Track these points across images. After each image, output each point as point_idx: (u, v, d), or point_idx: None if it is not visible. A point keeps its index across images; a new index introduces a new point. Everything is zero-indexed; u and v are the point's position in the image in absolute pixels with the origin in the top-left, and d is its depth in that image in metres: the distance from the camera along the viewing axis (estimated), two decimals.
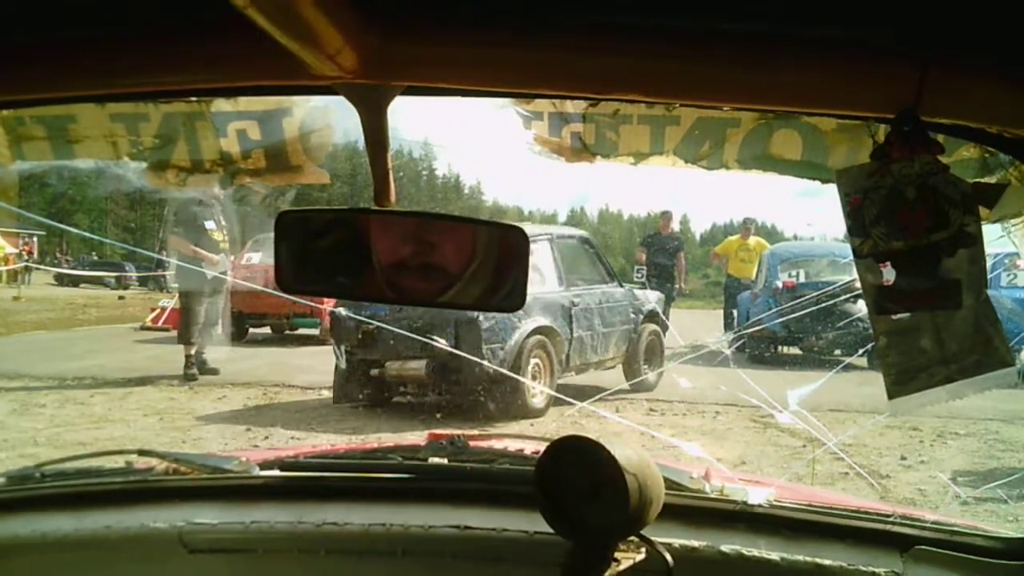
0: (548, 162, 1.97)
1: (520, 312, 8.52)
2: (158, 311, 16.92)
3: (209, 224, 10.43)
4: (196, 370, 10.49)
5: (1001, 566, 1.42)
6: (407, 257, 1.21)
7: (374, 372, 8.90)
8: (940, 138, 1.23)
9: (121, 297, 23.83)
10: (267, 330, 15.01)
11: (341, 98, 1.21)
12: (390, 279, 1.21)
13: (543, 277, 9.60)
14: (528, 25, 1.10)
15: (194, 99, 1.89)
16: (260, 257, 15.42)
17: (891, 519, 1.52)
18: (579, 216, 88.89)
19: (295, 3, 0.93)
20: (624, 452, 1.32)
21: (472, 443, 1.91)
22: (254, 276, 14.63)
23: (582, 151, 1.96)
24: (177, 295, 11.39)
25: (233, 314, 14.32)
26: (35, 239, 40.95)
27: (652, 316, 11.22)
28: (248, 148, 2.00)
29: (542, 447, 1.40)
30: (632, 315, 10.85)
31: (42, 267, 33.59)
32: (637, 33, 1.09)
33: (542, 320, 9.27)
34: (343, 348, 9.11)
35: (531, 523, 1.49)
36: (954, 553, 1.44)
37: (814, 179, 1.85)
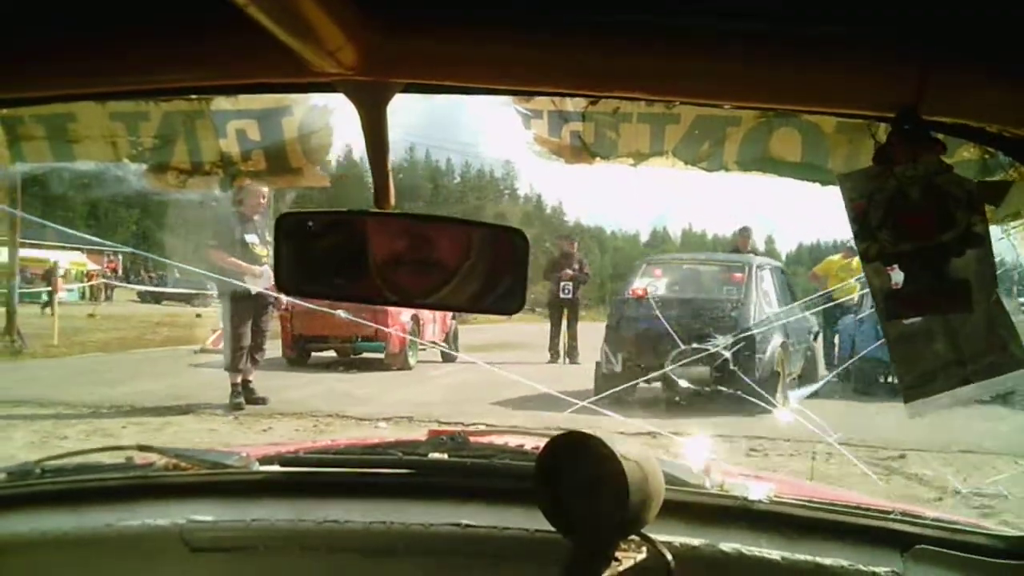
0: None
1: (771, 328, 10.61)
2: (218, 332, 16.14)
3: (251, 237, 9.50)
4: (242, 399, 9.56)
5: (1002, 565, 1.41)
6: (407, 259, 1.21)
7: (650, 375, 9.36)
8: (941, 137, 1.22)
9: (199, 315, 23.25)
10: (332, 354, 14.12)
11: (341, 99, 1.22)
12: (390, 280, 1.21)
13: (771, 300, 11.43)
14: (528, 22, 1.10)
15: (194, 97, 1.89)
16: None
17: (892, 516, 1.52)
18: (662, 235, 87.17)
19: (295, 0, 0.93)
20: (624, 448, 1.32)
21: (472, 439, 1.91)
22: None
23: (582, 151, 1.96)
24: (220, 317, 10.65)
25: (293, 337, 13.59)
26: (120, 257, 41.44)
27: (816, 336, 12.83)
28: (248, 149, 2.00)
29: (542, 443, 1.41)
30: (807, 335, 12.22)
31: (121, 284, 33.76)
32: (637, 30, 1.09)
33: (781, 336, 10.82)
34: (616, 353, 10.28)
35: (531, 521, 1.48)
36: (955, 552, 1.43)
37: (814, 181, 1.85)
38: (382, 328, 12.89)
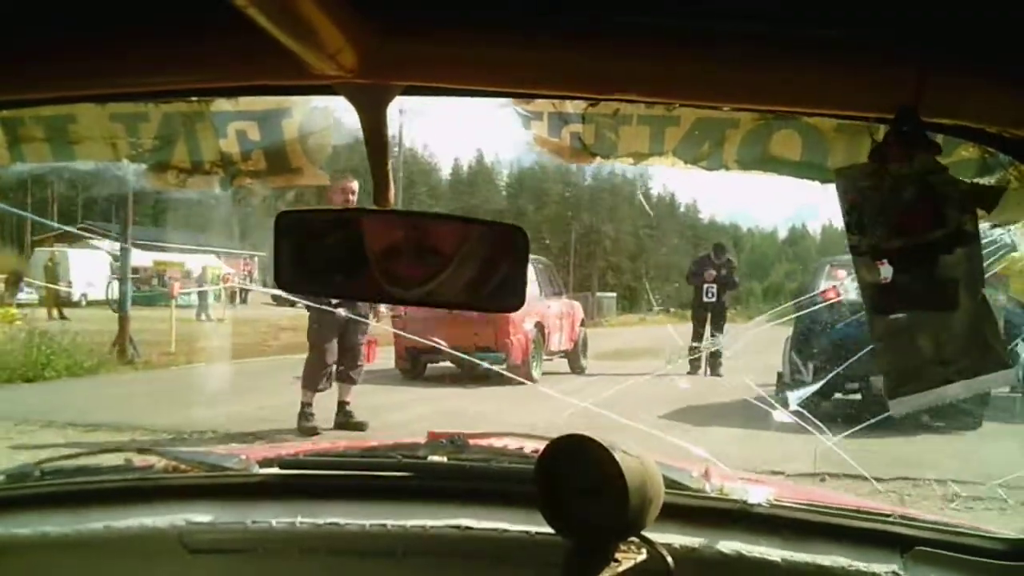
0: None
1: None
2: None
3: None
4: (314, 423, 8.29)
5: (1001, 567, 1.42)
6: (406, 257, 1.21)
7: (850, 386, 8.67)
8: (939, 138, 1.23)
9: None
10: (449, 365, 12.90)
11: (341, 99, 1.23)
12: (389, 279, 1.21)
13: None
14: (528, 25, 1.10)
15: (194, 99, 1.89)
16: None
17: (891, 519, 1.53)
18: (801, 232, 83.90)
19: (295, 2, 0.93)
20: (624, 451, 1.32)
21: (472, 441, 1.90)
22: None
23: (582, 151, 1.97)
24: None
25: (406, 347, 12.39)
26: (256, 260, 41.88)
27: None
28: (248, 149, 2.01)
29: (542, 445, 1.42)
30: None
31: (252, 287, 33.75)
32: (637, 33, 1.10)
33: None
34: (805, 362, 9.41)
35: (531, 523, 1.49)
36: (954, 554, 1.44)
37: (813, 179, 1.86)
38: (505, 340, 11.61)
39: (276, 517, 1.60)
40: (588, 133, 1.94)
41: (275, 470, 1.76)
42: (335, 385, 8.46)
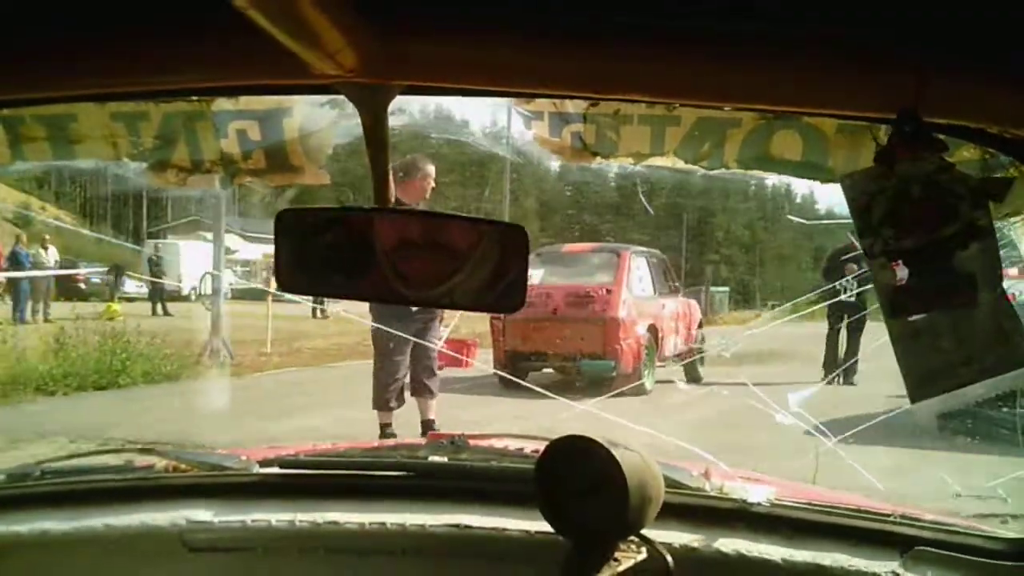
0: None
1: None
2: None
3: None
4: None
5: (1001, 567, 1.42)
6: (406, 256, 1.21)
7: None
8: (940, 138, 1.23)
9: None
10: (551, 371, 11.84)
11: (341, 99, 1.25)
12: (389, 278, 1.21)
13: None
14: (529, 25, 1.10)
15: (195, 98, 1.89)
16: (542, 276, 12.27)
17: (891, 519, 1.53)
18: None
19: (296, 3, 0.93)
20: (624, 450, 1.32)
21: (472, 442, 1.89)
22: (535, 302, 11.47)
23: (583, 151, 1.97)
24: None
25: (506, 353, 11.37)
26: None
27: None
28: (248, 149, 2.01)
29: (542, 446, 1.42)
30: None
31: None
32: (637, 33, 1.10)
33: None
34: None
35: (531, 522, 1.49)
36: (954, 554, 1.44)
37: (815, 179, 1.85)
38: (612, 343, 10.45)
39: (276, 516, 1.60)
40: (589, 133, 1.95)
41: (275, 470, 1.75)
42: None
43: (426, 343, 6.81)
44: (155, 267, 25.44)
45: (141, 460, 1.84)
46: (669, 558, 1.36)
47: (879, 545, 1.48)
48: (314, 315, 20.85)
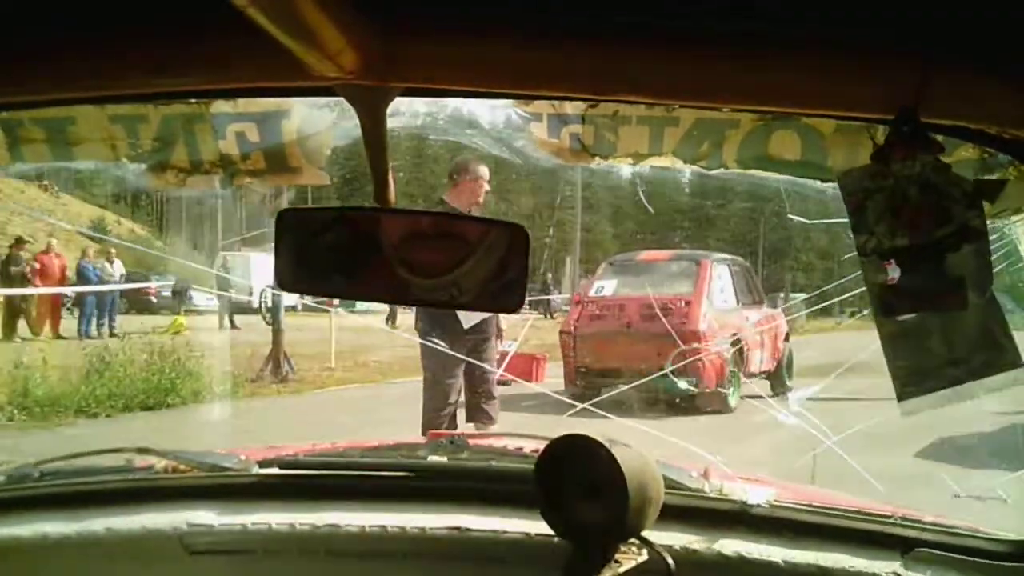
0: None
1: None
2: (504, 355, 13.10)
3: None
4: None
5: (1001, 568, 1.42)
6: (406, 256, 1.20)
7: None
8: (939, 138, 1.23)
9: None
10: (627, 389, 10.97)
11: (340, 100, 1.23)
12: (389, 278, 1.20)
13: None
14: (528, 26, 1.10)
15: (193, 101, 1.89)
16: (615, 286, 11.47)
17: (892, 520, 1.53)
18: None
19: (296, 3, 0.93)
20: (624, 451, 1.32)
21: (472, 442, 1.90)
22: (607, 315, 10.70)
23: (581, 152, 1.98)
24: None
25: (577, 369, 10.63)
26: None
27: None
28: (247, 151, 2.01)
29: (542, 446, 1.42)
30: None
31: None
32: (637, 34, 1.10)
33: None
34: None
35: (531, 524, 1.49)
36: (954, 555, 1.44)
37: (813, 179, 1.86)
38: (699, 360, 9.65)
39: (276, 518, 1.60)
40: (587, 134, 1.94)
41: (275, 470, 1.75)
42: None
43: (482, 363, 5.98)
44: (223, 279, 25.27)
45: (140, 460, 1.84)
46: (670, 560, 1.37)
47: (879, 546, 1.47)
48: (387, 323, 20.36)
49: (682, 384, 10.01)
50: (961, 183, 1.22)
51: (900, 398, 1.26)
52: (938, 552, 1.44)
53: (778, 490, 1.60)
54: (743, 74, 1.14)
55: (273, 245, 1.23)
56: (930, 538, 1.47)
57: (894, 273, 1.23)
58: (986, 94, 1.14)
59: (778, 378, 12.06)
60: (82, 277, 19.49)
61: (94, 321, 19.10)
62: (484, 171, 5.90)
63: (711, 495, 1.60)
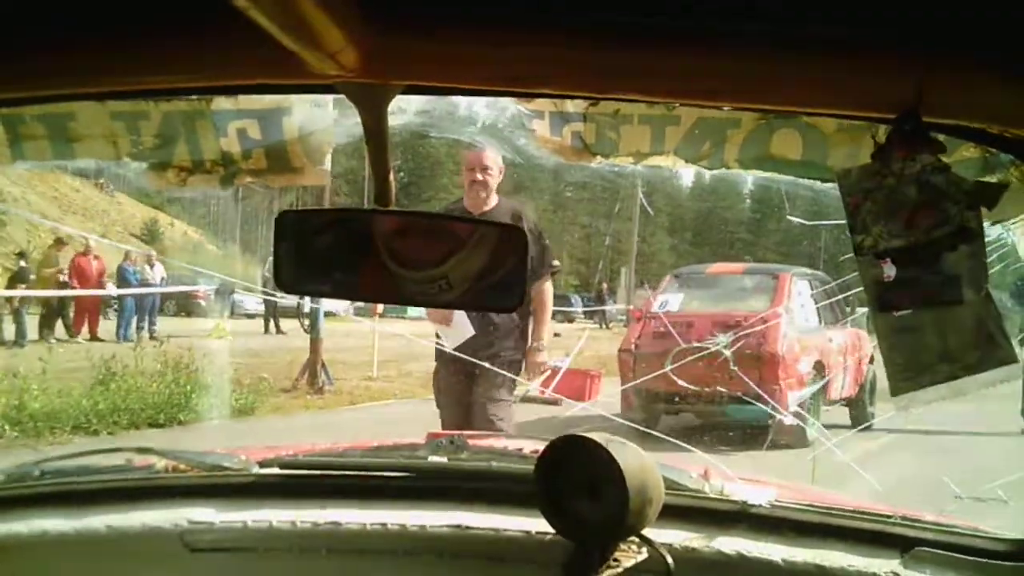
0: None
1: None
2: (547, 372, 12.02)
3: None
4: None
5: (1001, 567, 1.42)
6: (406, 257, 1.21)
7: None
8: (940, 138, 1.23)
9: (557, 334, 19.28)
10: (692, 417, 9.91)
11: (341, 97, 1.24)
12: (389, 279, 1.21)
13: None
14: (529, 24, 1.10)
15: (194, 97, 1.90)
16: (681, 301, 10.38)
17: (891, 520, 1.53)
18: None
19: (296, 1, 0.93)
20: (624, 452, 1.33)
21: (472, 442, 1.90)
22: (668, 332, 9.62)
23: (582, 151, 1.97)
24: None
25: (636, 392, 9.55)
26: None
27: None
28: (248, 148, 2.00)
29: (542, 446, 1.43)
30: None
31: None
32: (638, 32, 1.09)
33: None
34: None
35: (531, 523, 1.50)
36: (954, 554, 1.44)
37: (814, 179, 1.86)
38: (769, 383, 8.53)
39: (276, 517, 1.60)
40: (589, 132, 1.93)
41: (275, 470, 1.75)
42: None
43: (491, 394, 4.97)
44: (268, 283, 24.82)
45: (141, 459, 1.84)
46: (669, 559, 1.37)
47: (879, 546, 1.47)
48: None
49: (754, 412, 8.93)
50: (960, 184, 1.22)
51: (893, 392, 1.27)
52: (938, 552, 1.44)
53: (778, 490, 1.61)
54: (744, 73, 1.13)
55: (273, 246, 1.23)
56: (929, 537, 1.47)
57: (890, 271, 1.23)
58: (988, 93, 1.13)
59: (859, 406, 10.84)
60: (122, 280, 19.30)
61: (133, 324, 18.86)
62: (479, 159, 4.86)
63: (711, 495, 1.60)
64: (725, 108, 1.60)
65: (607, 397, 10.35)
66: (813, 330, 10.60)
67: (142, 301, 19.09)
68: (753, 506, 1.54)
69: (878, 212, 1.22)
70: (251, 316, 24.73)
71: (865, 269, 1.25)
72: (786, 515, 1.53)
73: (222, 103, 1.93)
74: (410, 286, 1.20)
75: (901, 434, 8.41)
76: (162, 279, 20.91)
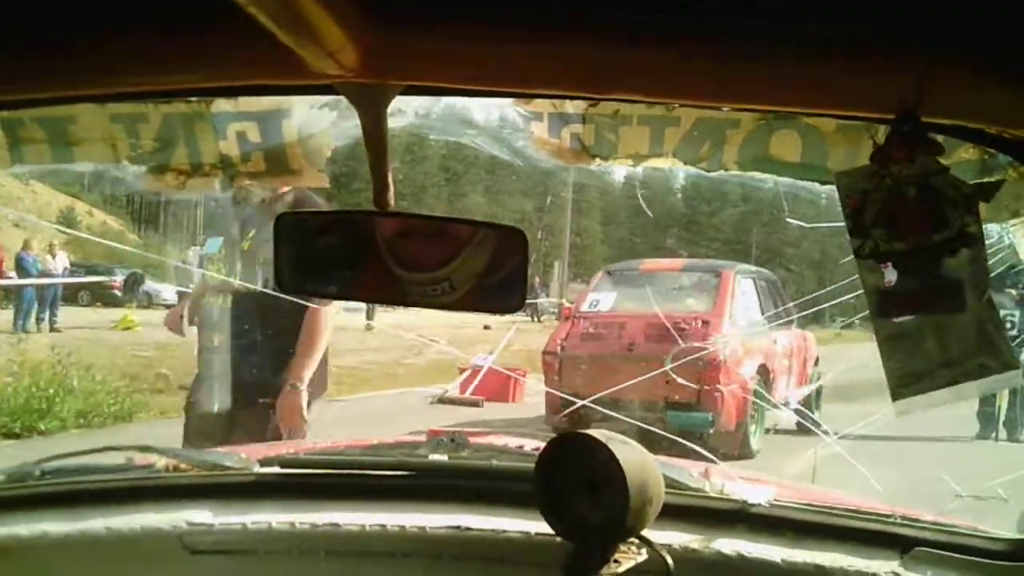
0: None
1: None
2: (468, 372, 10.32)
3: None
4: None
5: (1001, 567, 1.42)
6: (409, 259, 1.21)
7: None
8: (940, 139, 1.23)
9: (487, 327, 18.03)
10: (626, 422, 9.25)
11: (340, 99, 1.24)
12: (389, 280, 1.21)
13: None
14: (529, 24, 1.10)
15: (194, 99, 1.90)
16: (614, 300, 9.69)
17: (891, 519, 1.53)
18: None
19: (297, 0, 0.93)
20: (624, 450, 1.33)
21: (472, 440, 1.89)
22: (605, 334, 8.94)
23: (581, 152, 1.97)
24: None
25: (562, 399, 8.87)
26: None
27: None
28: (248, 150, 2.01)
29: (542, 445, 1.43)
30: None
31: None
32: (637, 32, 1.10)
33: None
34: None
35: (531, 523, 1.49)
36: (954, 554, 1.44)
37: (813, 180, 1.86)
38: (710, 390, 7.91)
39: (276, 517, 1.60)
40: (588, 134, 1.92)
41: (275, 469, 1.75)
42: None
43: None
44: (182, 273, 23.87)
45: (140, 459, 1.84)
46: (669, 559, 1.37)
47: (879, 545, 1.47)
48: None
49: (694, 420, 8.29)
50: (960, 187, 1.21)
51: (894, 398, 1.26)
52: (937, 551, 1.44)
53: (778, 490, 1.61)
54: (743, 73, 1.13)
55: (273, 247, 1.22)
56: (929, 537, 1.47)
57: (890, 276, 1.22)
58: (986, 94, 1.12)
59: (804, 411, 10.30)
60: (21, 269, 18.69)
61: (33, 315, 18.09)
62: None
63: (711, 495, 1.60)
64: (725, 108, 1.62)
65: (533, 396, 9.66)
66: (757, 332, 10.02)
67: (42, 292, 18.37)
68: (753, 506, 1.54)
69: (877, 214, 1.21)
70: (169, 306, 23.70)
71: (865, 275, 1.25)
72: (786, 515, 1.54)
73: (222, 105, 1.92)
74: (413, 288, 1.21)
75: (849, 440, 7.85)
76: (64, 269, 20.19)
